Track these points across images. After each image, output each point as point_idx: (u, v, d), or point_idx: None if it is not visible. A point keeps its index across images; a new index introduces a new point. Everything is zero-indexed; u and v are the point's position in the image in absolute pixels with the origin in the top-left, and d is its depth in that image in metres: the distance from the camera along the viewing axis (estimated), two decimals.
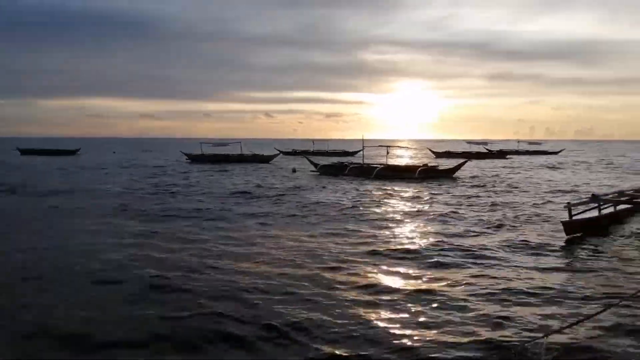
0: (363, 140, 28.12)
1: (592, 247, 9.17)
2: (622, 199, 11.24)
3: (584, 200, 11.11)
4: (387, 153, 28.68)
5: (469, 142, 56.08)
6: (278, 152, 45.05)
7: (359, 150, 52.86)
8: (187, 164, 37.83)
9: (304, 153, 47.95)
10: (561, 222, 10.10)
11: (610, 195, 11.51)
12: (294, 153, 52.36)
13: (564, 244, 9.43)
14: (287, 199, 16.70)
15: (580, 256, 8.56)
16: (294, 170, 29.17)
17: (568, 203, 10.43)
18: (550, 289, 6.69)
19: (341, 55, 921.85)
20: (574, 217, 10.14)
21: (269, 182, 23.14)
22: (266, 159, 39.75)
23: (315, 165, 28.26)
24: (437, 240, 9.93)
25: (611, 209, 11.37)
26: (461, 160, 28.08)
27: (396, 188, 20.36)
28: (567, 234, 9.79)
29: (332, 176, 25.53)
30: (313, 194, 18.12)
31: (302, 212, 13.92)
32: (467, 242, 9.76)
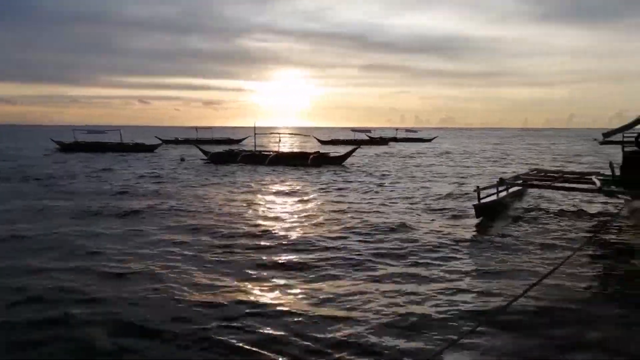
0: (255, 127, 27.77)
1: (500, 227, 9.87)
2: (527, 181, 12.22)
3: (492, 184, 11.86)
4: (279, 140, 28.68)
5: (354, 129, 57.97)
6: (160, 140, 42.79)
7: (245, 138, 52.40)
8: (60, 153, 34.45)
9: (189, 142, 46.16)
10: (473, 205, 10.53)
11: (512, 178, 12.46)
12: (177, 141, 50.22)
13: (475, 228, 9.86)
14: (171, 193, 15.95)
15: (493, 239, 8.91)
16: (182, 160, 28.07)
17: (477, 187, 10.96)
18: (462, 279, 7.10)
19: (221, 42, 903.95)
20: (482, 201, 10.69)
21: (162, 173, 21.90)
22: (149, 148, 37.55)
23: (206, 153, 27.38)
24: (339, 235, 9.91)
25: (510, 191, 12.29)
26: (350, 148, 28.92)
27: (291, 176, 20.43)
28: (477, 217, 10.30)
29: (224, 164, 24.97)
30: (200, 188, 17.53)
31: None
32: (372, 236, 10.01)
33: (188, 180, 18.39)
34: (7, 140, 62.12)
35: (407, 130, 71.14)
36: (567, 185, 11.51)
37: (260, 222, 10.46)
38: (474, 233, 9.44)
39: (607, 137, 11.09)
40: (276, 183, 17.63)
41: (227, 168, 23.26)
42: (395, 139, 61.10)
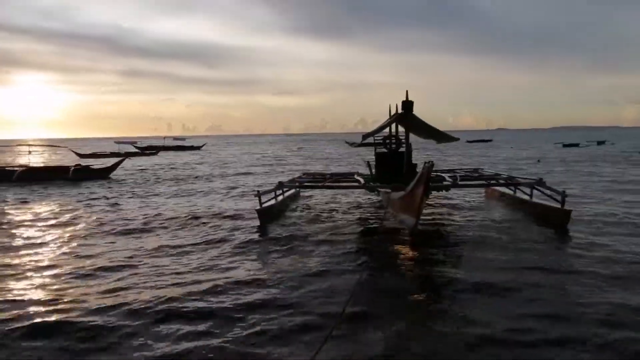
0: None
1: (282, 227, 10.24)
2: (302, 183, 12.94)
3: (272, 188, 12.24)
4: (29, 152, 25.01)
5: (118, 142, 54.18)
6: None
7: None
8: None
9: None
10: (256, 210, 10.66)
11: (289, 182, 13.02)
12: None
13: (258, 230, 10.02)
14: None
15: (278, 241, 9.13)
16: None
17: (258, 191, 11.20)
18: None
19: None
20: (263, 205, 10.91)
21: None
22: None
23: None
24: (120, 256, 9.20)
25: (289, 192, 13.13)
26: (116, 159, 26.77)
27: (49, 194, 17.89)
28: (260, 221, 10.44)
29: None
30: None
31: None
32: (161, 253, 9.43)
33: None
34: None
35: (175, 138, 69.51)
36: (336, 184, 12.66)
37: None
38: (258, 237, 9.60)
39: (364, 139, 12.51)
40: (29, 202, 15.17)
41: None
42: (165, 148, 58.99)
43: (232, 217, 11.70)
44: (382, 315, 5.38)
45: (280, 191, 12.37)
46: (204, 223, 11.17)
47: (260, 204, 10.87)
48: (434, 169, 9.47)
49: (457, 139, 12.34)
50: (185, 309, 5.57)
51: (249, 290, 6.22)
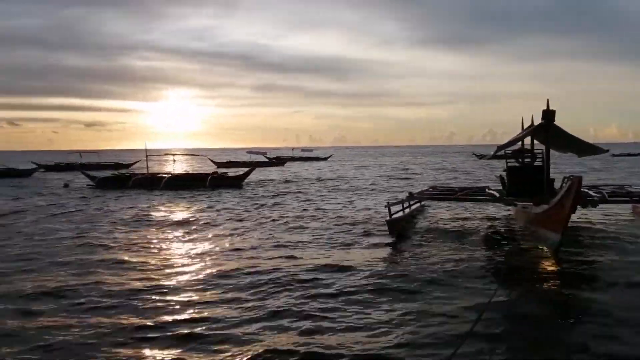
0: (146, 149, 26.38)
1: (411, 239, 10.14)
2: (434, 195, 12.89)
3: (401, 199, 12.20)
4: (174, 162, 27.52)
5: (249, 151, 57.28)
6: (35, 165, 39.00)
7: (135, 162, 49.40)
8: None
9: (73, 167, 42.53)
10: (385, 221, 10.60)
11: (418, 194, 12.89)
12: (58, 167, 46.00)
13: (390, 241, 9.95)
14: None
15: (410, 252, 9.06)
16: (65, 185, 25.73)
17: (387, 203, 11.16)
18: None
19: (100, 60, 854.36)
20: (393, 216, 10.80)
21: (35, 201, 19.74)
22: (25, 173, 34.01)
23: (92, 178, 25.34)
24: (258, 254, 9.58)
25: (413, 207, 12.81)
26: (247, 169, 28.32)
27: (190, 199, 19.47)
28: (389, 231, 10.35)
29: (114, 190, 23.18)
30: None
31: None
32: (292, 252, 9.69)
33: (77, 207, 16.72)
34: None
35: (303, 149, 72.05)
36: (468, 197, 12.17)
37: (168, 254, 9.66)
38: (386, 247, 9.53)
39: (498, 151, 11.86)
40: (175, 205, 16.65)
41: (118, 193, 21.55)
42: (292, 159, 61.40)
43: (361, 226, 11.80)
44: (512, 343, 4.94)
45: (409, 203, 12.21)
46: (331, 229, 11.45)
47: (390, 214, 10.77)
48: None
49: (605, 151, 11.28)
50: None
51: (373, 298, 6.13)
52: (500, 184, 12.53)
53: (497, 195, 11.57)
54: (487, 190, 12.90)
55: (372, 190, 22.10)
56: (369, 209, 15.33)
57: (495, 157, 15.87)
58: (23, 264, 8.51)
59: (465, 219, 12.83)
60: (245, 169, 27.60)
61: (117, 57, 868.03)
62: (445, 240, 9.99)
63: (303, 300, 6.26)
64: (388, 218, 10.64)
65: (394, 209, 11.15)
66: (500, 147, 11.16)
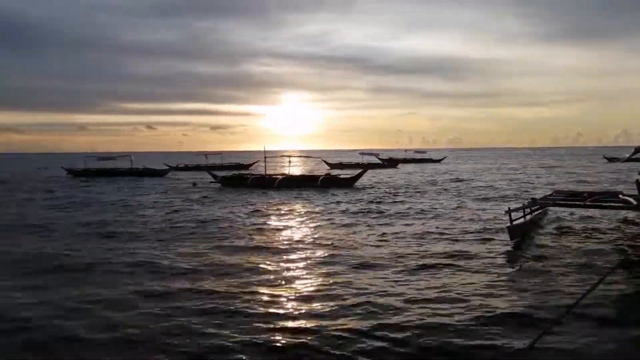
0: (265, 151, 27.78)
1: (536, 247, 9.56)
2: (558, 201, 12.08)
3: (522, 204, 11.63)
4: (289, 162, 28.58)
5: (362, 153, 57.41)
6: (168, 167, 42.79)
7: (254, 163, 52.08)
8: (69, 179, 34.46)
9: (200, 168, 46.00)
10: (506, 227, 10.15)
11: (542, 199, 12.23)
12: (186, 168, 49.93)
13: (510, 249, 9.51)
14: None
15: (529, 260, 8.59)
16: (194, 184, 28.05)
17: (509, 208, 10.61)
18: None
19: (225, 67, 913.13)
20: (514, 222, 10.29)
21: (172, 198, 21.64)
22: (160, 173, 37.51)
23: (215, 177, 27.29)
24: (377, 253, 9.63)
25: (534, 213, 12.06)
26: (359, 170, 28.53)
27: (302, 197, 20.09)
28: (511, 239, 9.87)
29: (234, 188, 24.85)
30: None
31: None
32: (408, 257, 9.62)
33: (210, 204, 18.15)
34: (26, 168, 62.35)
35: (416, 151, 70.83)
36: (597, 204, 11.17)
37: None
38: (507, 254, 9.06)
39: (635, 154, 10.77)
40: (288, 202, 17.32)
41: (238, 191, 23.15)
42: (405, 160, 60.64)
43: (480, 232, 11.32)
44: None
45: (531, 209, 11.53)
46: (448, 235, 11.13)
47: (511, 220, 10.21)
48: None
49: None
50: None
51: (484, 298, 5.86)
52: (637, 190, 11.27)
53: (634, 202, 10.36)
54: (620, 196, 11.66)
55: (489, 193, 21.10)
56: (486, 212, 14.67)
57: (631, 159, 14.33)
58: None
59: (595, 229, 11.45)
60: (358, 171, 27.86)
61: (240, 63, 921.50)
62: (572, 254, 9.08)
63: None
64: (509, 224, 10.09)
65: (515, 214, 10.54)
66: (638, 149, 10.11)
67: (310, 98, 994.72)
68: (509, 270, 7.99)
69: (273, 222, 13.73)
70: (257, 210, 16.21)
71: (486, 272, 7.74)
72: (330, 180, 25.59)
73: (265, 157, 27.82)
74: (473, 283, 7.13)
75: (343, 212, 15.46)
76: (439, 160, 63.97)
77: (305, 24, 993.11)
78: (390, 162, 53.78)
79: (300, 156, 41.74)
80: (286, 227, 12.80)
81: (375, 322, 5.59)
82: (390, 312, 5.96)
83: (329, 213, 15.24)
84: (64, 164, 43.21)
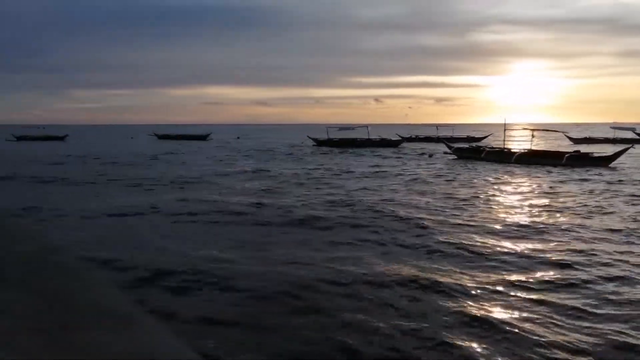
0: (505, 124, 26.98)
1: None
2: None
3: None
4: (533, 137, 26.86)
5: (614, 126, 49.96)
6: (400, 138, 44.30)
7: (486, 137, 50.02)
8: (315, 147, 38.47)
9: (430, 139, 46.62)
10: None
11: None
12: (417, 139, 50.84)
13: None
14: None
15: None
16: (430, 155, 28.94)
17: None
18: None
19: (452, 38, 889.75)
20: None
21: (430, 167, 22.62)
22: (394, 144, 39.22)
23: (450, 147, 27.59)
24: None
25: None
26: (623, 147, 24.86)
27: (548, 174, 18.77)
28: None
29: (469, 160, 24.79)
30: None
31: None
32: None
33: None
34: (276, 137, 71.27)
35: None
36: None
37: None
38: None
39: None
40: (531, 178, 16.42)
41: (474, 163, 23.32)
42: None
43: None
44: None
45: None
46: None
47: None
48: None
49: None
50: None
51: None
52: None
53: None
54: None
55: None
56: None
57: None
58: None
59: None
60: (605, 147, 24.58)
61: (466, 33, 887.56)
62: None
63: None
64: None
65: None
66: None
67: (545, 66, 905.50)
68: None
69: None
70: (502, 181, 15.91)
71: None
72: (580, 158, 22.69)
73: (505, 130, 26.88)
74: None
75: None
76: None
77: None
78: None
79: (538, 130, 38.14)
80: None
81: None
82: None
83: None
84: (306, 134, 47.60)
